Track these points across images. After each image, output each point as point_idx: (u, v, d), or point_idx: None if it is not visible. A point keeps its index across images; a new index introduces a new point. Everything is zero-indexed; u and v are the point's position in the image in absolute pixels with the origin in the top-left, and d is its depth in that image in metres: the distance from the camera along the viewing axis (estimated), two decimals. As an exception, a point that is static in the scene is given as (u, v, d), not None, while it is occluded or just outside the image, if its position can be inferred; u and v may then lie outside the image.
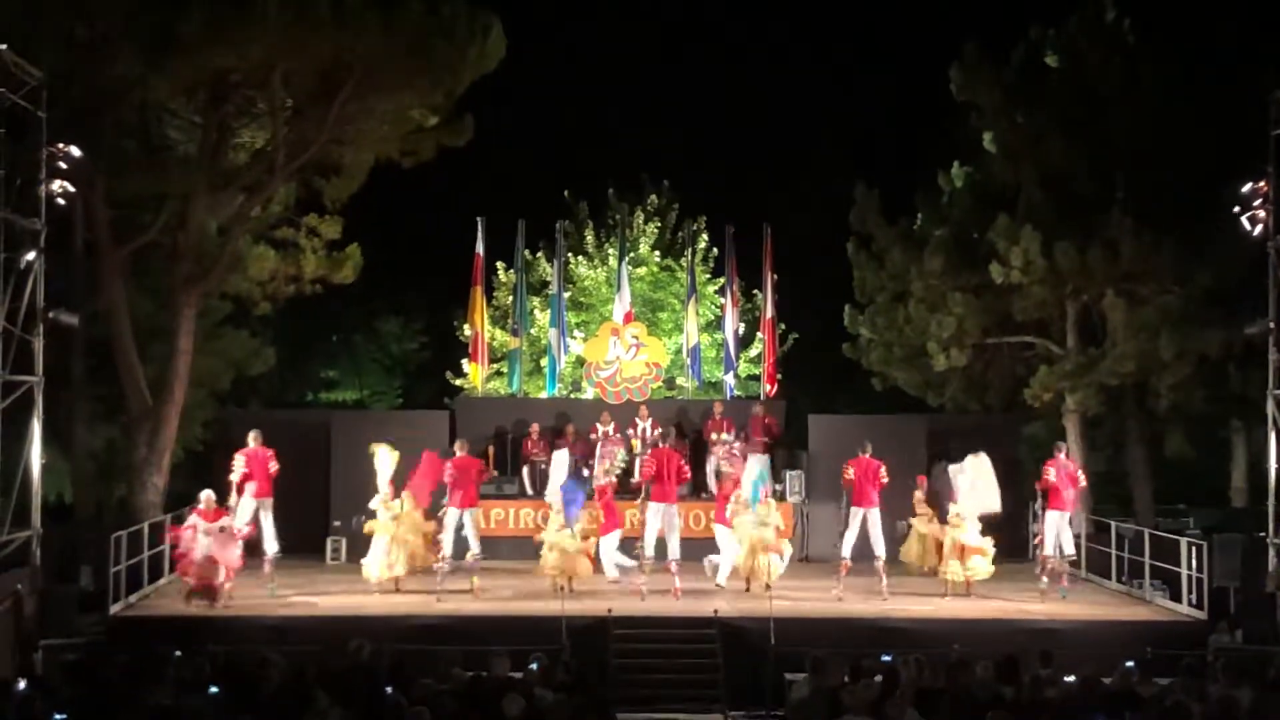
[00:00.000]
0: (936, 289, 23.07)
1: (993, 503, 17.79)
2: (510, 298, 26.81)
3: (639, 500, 18.11)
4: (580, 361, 25.44)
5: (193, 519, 16.73)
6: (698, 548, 18.68)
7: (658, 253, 29.67)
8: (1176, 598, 17.21)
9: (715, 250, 28.75)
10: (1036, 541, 18.53)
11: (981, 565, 17.56)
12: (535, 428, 21.54)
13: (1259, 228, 17.48)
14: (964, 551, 17.61)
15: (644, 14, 35.97)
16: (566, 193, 30.69)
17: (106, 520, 20.98)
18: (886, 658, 11.22)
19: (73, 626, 15.62)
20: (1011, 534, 20.28)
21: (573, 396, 25.59)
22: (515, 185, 30.28)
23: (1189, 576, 16.95)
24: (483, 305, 23.99)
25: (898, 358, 24.79)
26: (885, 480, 17.58)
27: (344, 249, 22.66)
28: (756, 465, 17.93)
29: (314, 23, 18.67)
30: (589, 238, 29.78)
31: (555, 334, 23.86)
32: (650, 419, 21.53)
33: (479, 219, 23.63)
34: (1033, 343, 23.56)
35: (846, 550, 17.60)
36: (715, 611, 15.97)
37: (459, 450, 17.78)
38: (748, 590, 17.54)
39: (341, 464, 20.97)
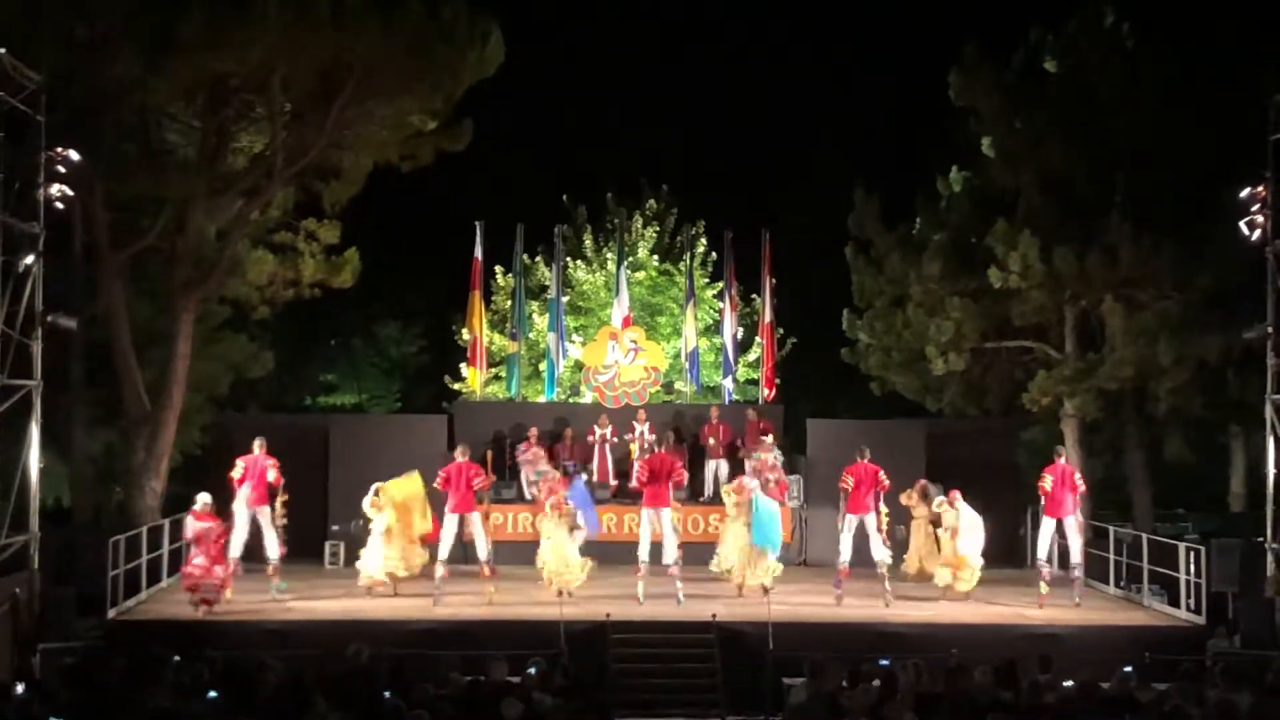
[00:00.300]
0: (935, 293, 23.07)
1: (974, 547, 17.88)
2: (509, 302, 26.83)
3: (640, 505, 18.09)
4: (579, 366, 25.46)
5: (190, 521, 16.74)
6: (697, 552, 18.70)
7: (656, 257, 29.71)
8: (1175, 603, 17.22)
9: (714, 254, 28.74)
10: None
11: (967, 579, 17.71)
12: (533, 432, 21.54)
13: (1257, 233, 17.48)
14: (956, 563, 17.73)
15: (643, 17, 36.02)
16: (565, 197, 30.70)
17: (105, 524, 20.97)
18: (885, 662, 11.22)
19: (71, 630, 15.59)
20: (1010, 540, 20.28)
21: (571, 401, 25.61)
22: (514, 189, 30.27)
23: (1187, 581, 16.95)
24: (481, 309, 23.99)
25: (896, 362, 24.78)
26: (886, 484, 17.57)
27: (343, 253, 22.64)
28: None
29: (313, 25, 18.67)
30: (588, 242, 29.79)
31: (554, 338, 23.88)
32: (648, 423, 21.57)
33: (477, 223, 23.66)
34: (1031, 347, 23.55)
35: (845, 555, 17.58)
36: (714, 616, 15.96)
37: (459, 455, 17.78)
38: (740, 596, 17.55)
39: (340, 468, 21.01)
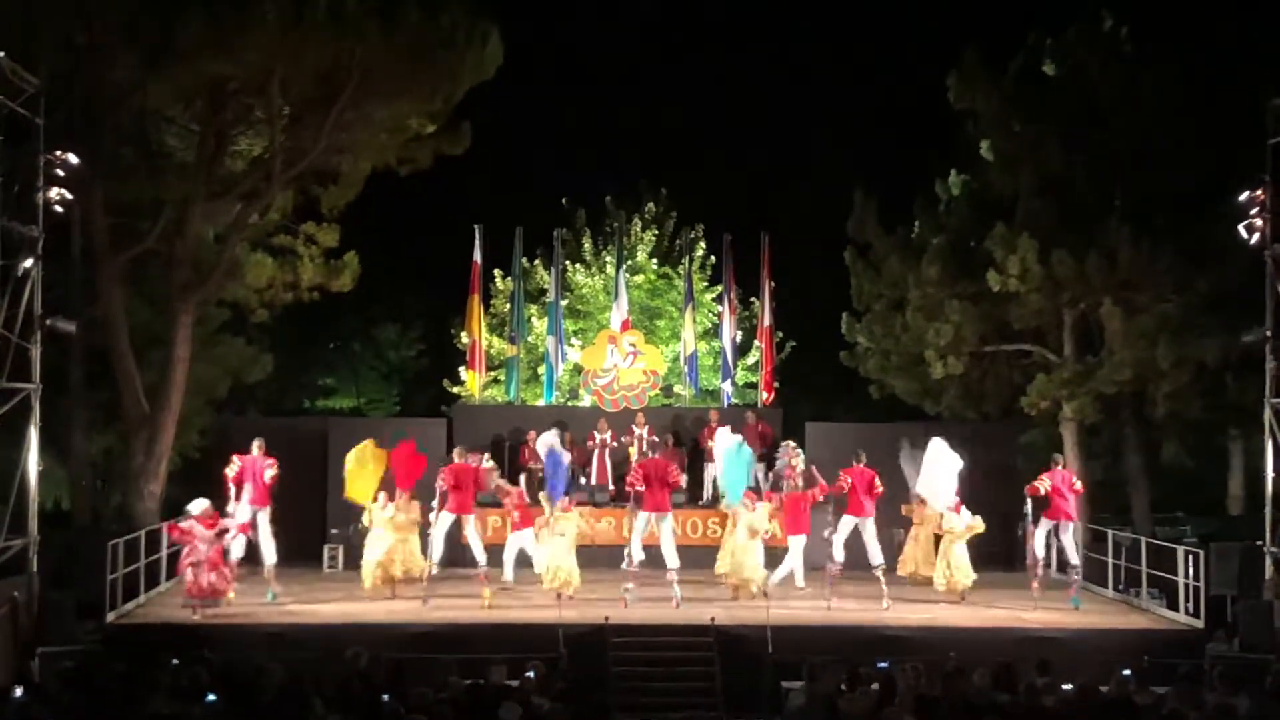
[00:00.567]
0: (934, 297, 23.09)
1: (945, 494, 17.78)
2: (508, 305, 26.82)
3: (628, 506, 18.09)
4: (578, 369, 25.45)
5: (189, 524, 16.71)
6: (696, 556, 18.69)
7: (655, 260, 29.71)
8: (1174, 606, 17.20)
9: (713, 258, 28.73)
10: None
11: (962, 577, 17.70)
12: (532, 435, 21.51)
13: (1256, 236, 17.48)
14: (950, 561, 17.72)
15: (643, 19, 36.05)
16: (564, 200, 30.71)
17: (104, 527, 20.95)
18: (883, 665, 11.23)
19: (70, 633, 15.56)
20: (1009, 544, 20.28)
21: (570, 404, 25.59)
22: (513, 193, 30.29)
23: (1186, 585, 16.93)
24: (480, 313, 23.99)
25: (895, 365, 24.81)
26: (880, 489, 17.60)
27: (341, 257, 22.66)
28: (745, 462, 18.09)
29: (312, 28, 18.67)
30: (587, 245, 29.79)
31: (553, 342, 23.87)
32: (647, 426, 21.56)
33: (476, 227, 23.66)
34: (1030, 351, 23.57)
35: (838, 556, 17.57)
36: (712, 619, 15.94)
37: (457, 457, 17.77)
38: (735, 599, 17.55)
39: (339, 471, 20.92)
